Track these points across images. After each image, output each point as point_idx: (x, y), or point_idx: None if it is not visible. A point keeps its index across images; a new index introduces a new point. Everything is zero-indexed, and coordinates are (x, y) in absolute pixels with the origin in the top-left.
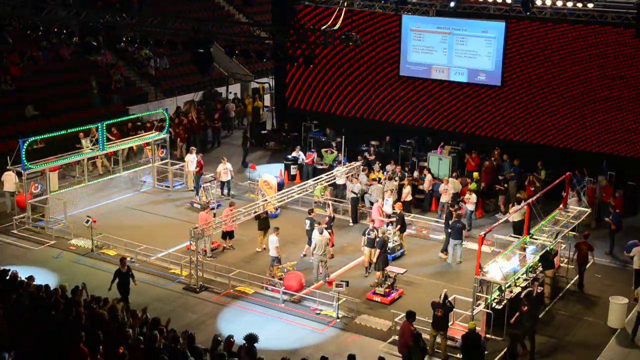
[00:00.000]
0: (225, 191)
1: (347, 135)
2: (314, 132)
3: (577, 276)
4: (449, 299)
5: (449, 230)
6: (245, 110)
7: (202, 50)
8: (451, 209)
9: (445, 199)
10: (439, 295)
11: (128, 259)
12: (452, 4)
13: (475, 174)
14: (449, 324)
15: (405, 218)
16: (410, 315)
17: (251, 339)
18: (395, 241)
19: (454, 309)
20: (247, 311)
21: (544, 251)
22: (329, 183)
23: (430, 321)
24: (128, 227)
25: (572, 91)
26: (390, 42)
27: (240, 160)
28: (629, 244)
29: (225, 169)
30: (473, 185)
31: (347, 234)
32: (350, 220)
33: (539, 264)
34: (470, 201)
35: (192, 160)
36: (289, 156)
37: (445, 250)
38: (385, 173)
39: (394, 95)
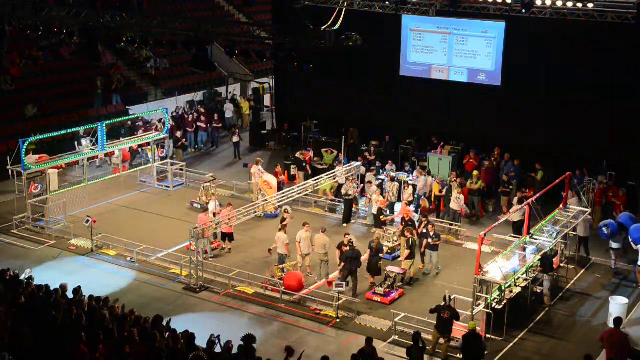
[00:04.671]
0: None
1: (346, 135)
2: (314, 132)
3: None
4: (450, 299)
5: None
6: (239, 111)
7: (199, 52)
8: (423, 219)
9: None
10: (443, 296)
11: (128, 259)
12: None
13: (475, 172)
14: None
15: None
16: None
17: (249, 339)
18: (396, 241)
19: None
20: (247, 311)
21: (543, 254)
22: (335, 181)
23: (434, 322)
24: (128, 227)
25: (572, 91)
26: (390, 42)
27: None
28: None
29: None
30: (479, 184)
31: (339, 233)
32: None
33: (539, 266)
34: (458, 201)
35: (255, 172)
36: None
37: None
38: (386, 173)
39: (393, 95)
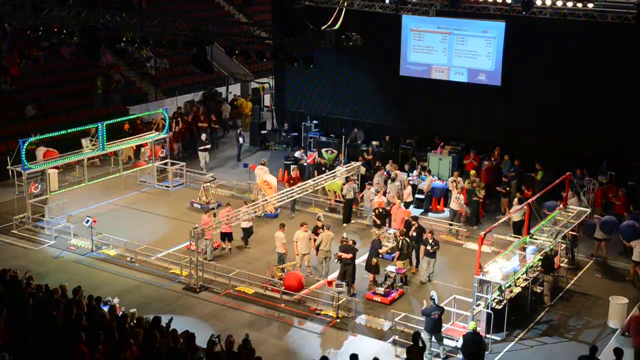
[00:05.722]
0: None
1: (346, 135)
2: (313, 132)
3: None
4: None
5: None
6: (238, 111)
7: (199, 52)
8: (414, 222)
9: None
10: (429, 297)
11: (128, 259)
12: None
13: (473, 172)
14: (449, 324)
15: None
16: None
17: (246, 341)
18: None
19: (453, 309)
20: (247, 311)
21: (543, 254)
22: (342, 182)
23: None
24: (128, 227)
25: (572, 91)
26: (390, 42)
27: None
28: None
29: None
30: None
31: (339, 233)
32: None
33: (539, 266)
34: (458, 201)
35: (260, 173)
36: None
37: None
38: (386, 173)
39: (393, 95)
